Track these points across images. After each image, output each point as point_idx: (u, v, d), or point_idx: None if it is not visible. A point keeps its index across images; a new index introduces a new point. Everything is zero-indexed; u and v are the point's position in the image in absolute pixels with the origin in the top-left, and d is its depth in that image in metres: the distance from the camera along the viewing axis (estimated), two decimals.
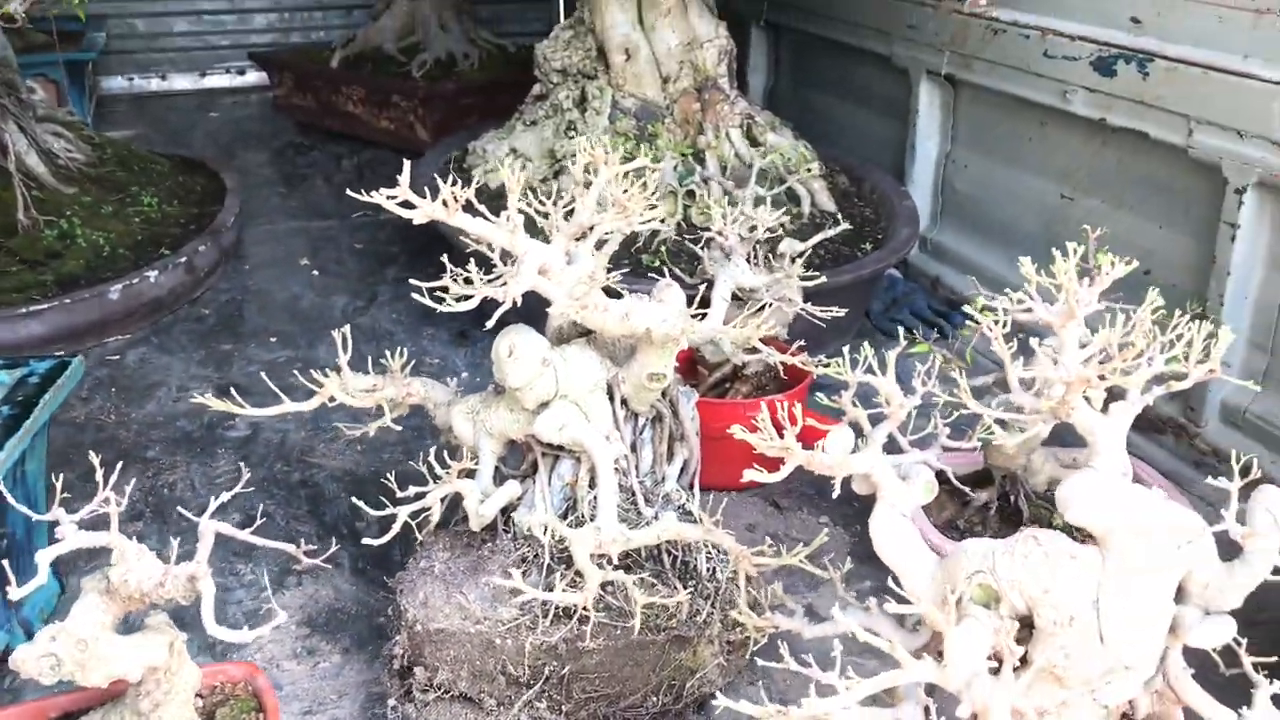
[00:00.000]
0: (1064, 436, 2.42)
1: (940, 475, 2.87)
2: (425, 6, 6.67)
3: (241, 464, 2.32)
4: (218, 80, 7.93)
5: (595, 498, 2.30)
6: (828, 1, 5.05)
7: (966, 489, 2.73)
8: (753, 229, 2.91)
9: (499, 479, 2.35)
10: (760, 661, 1.83)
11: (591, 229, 2.14)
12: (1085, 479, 1.61)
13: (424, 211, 1.94)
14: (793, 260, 3.02)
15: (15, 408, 2.42)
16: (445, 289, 2.66)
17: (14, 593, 1.72)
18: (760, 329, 2.23)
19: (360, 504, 2.23)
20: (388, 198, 1.93)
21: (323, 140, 6.69)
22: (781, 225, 3.71)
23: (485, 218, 2.01)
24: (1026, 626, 1.65)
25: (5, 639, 2.40)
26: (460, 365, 4.03)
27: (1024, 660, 1.60)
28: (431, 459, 2.24)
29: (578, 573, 2.13)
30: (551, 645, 2.18)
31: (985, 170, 4.24)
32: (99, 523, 1.77)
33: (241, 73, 7.87)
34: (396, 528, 2.18)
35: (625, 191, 2.15)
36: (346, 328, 2.30)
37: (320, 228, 5.35)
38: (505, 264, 2.07)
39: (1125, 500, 1.58)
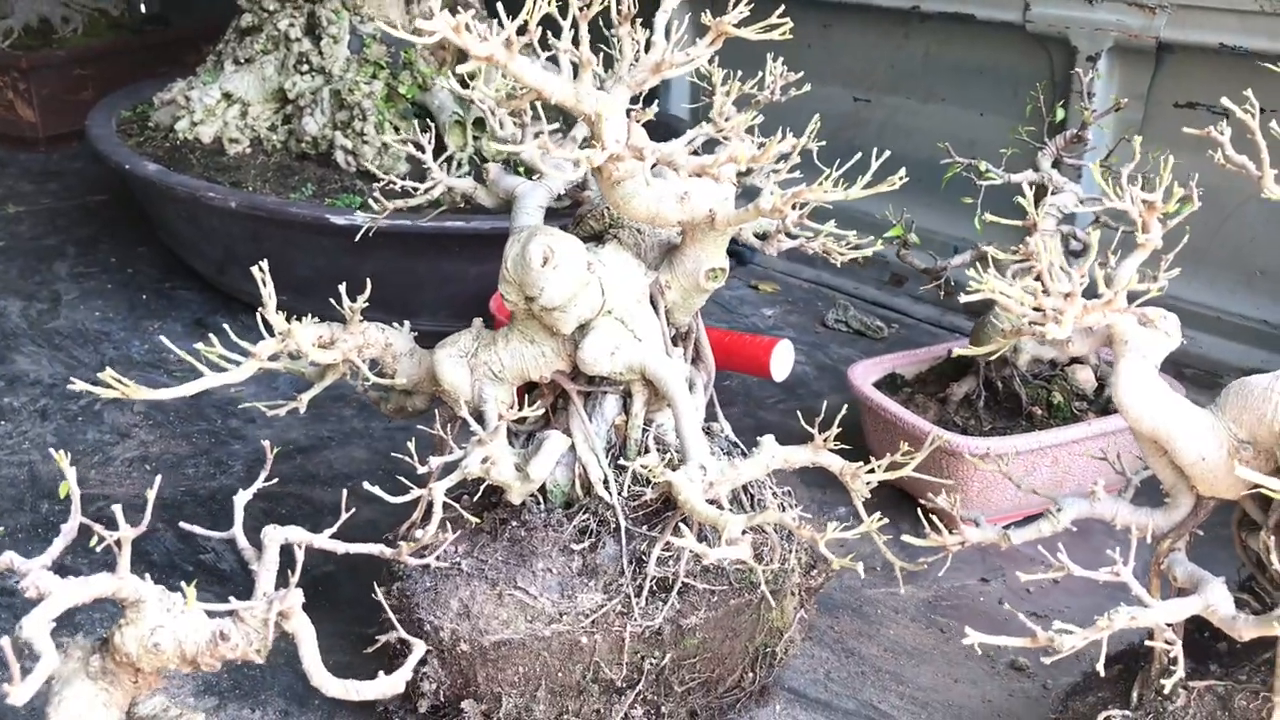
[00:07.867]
0: None
1: (914, 378, 2.62)
2: None
3: None
4: None
5: (652, 439, 1.81)
6: None
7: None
8: None
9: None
10: (1024, 577, 1.45)
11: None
12: None
13: (477, 46, 1.37)
14: None
15: None
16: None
17: (15, 694, 0.99)
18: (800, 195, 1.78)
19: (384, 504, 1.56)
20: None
21: None
22: None
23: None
24: None
25: None
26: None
27: None
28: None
29: (692, 526, 1.63)
30: (655, 631, 1.67)
31: None
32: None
33: None
34: (437, 513, 1.55)
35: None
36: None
37: None
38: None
39: None
